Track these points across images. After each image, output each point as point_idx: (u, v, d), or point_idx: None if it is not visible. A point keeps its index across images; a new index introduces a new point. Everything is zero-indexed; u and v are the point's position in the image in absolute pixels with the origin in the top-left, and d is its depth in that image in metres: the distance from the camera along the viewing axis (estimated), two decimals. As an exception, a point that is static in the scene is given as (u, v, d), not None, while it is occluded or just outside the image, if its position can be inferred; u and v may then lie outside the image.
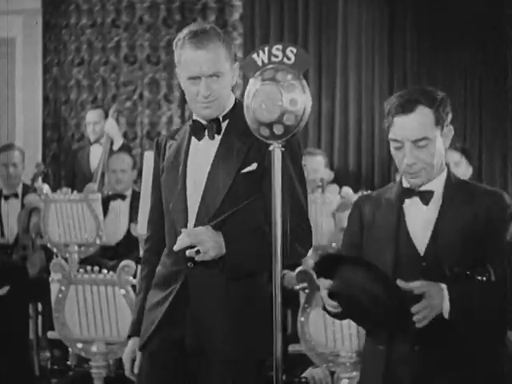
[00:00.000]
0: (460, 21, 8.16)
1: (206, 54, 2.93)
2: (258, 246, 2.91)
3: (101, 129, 7.52)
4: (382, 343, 2.71)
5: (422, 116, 2.71)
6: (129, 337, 3.14)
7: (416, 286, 2.58)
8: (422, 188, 2.79)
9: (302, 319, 4.04)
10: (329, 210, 5.88)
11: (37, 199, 6.38)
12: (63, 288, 4.25)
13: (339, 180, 7.52)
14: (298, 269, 4.18)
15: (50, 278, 4.37)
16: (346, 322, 3.98)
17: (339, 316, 2.77)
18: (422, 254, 2.73)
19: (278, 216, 2.81)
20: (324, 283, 2.66)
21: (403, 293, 2.55)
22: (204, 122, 3.03)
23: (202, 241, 2.87)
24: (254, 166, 2.98)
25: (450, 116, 2.78)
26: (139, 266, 3.27)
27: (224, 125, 3.04)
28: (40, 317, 6.25)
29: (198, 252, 2.87)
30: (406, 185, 2.82)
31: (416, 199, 2.77)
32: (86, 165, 7.56)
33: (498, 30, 8.05)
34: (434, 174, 2.77)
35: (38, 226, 6.25)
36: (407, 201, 2.79)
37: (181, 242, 2.89)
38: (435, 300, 2.58)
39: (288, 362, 4.80)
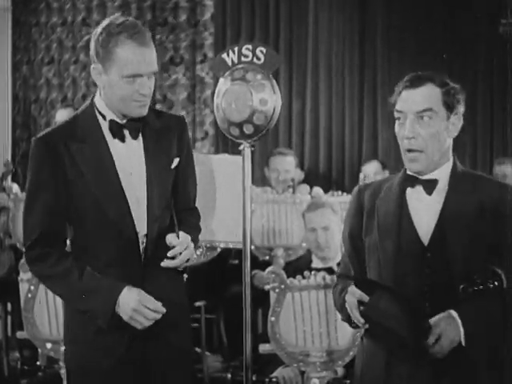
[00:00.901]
0: (430, 28, 8.22)
1: (150, 52, 2.82)
2: (194, 232, 2.98)
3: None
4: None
5: (429, 91, 2.67)
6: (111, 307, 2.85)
7: (433, 336, 2.54)
8: (426, 177, 2.68)
9: (273, 319, 4.04)
10: (299, 210, 5.88)
11: (5, 198, 6.34)
12: (32, 288, 4.23)
13: (310, 180, 7.53)
14: (269, 268, 4.18)
15: (20, 278, 4.35)
16: (316, 322, 3.99)
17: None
18: (426, 244, 2.65)
19: (248, 215, 2.82)
20: (355, 293, 2.59)
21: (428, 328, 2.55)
22: (121, 122, 2.90)
23: (192, 248, 2.89)
24: (176, 161, 2.97)
25: (462, 106, 2.74)
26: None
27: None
28: (9, 317, 6.20)
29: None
30: (409, 172, 2.72)
31: (419, 188, 2.68)
32: (56, 164, 7.51)
33: (467, 36, 8.12)
34: (436, 162, 2.67)
35: (7, 225, 6.21)
36: (410, 189, 2.69)
37: (186, 253, 2.86)
38: (451, 335, 2.55)
39: (258, 361, 4.80)
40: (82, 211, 2.90)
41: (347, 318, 2.71)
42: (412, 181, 2.69)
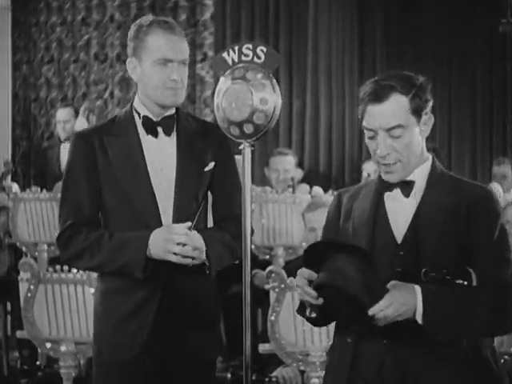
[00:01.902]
0: (430, 26, 8.23)
1: (179, 40, 2.93)
2: (224, 241, 2.96)
3: (71, 127, 7.48)
4: (351, 336, 2.61)
5: (396, 105, 2.55)
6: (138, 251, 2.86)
7: (385, 303, 2.44)
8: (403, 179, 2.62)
9: (272, 318, 4.04)
10: (299, 210, 5.88)
11: (5, 198, 6.34)
12: (32, 287, 4.22)
13: (310, 180, 7.53)
14: (269, 268, 4.18)
15: (19, 278, 4.35)
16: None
17: (316, 320, 2.63)
18: (399, 242, 2.60)
19: (248, 214, 2.82)
20: (304, 272, 2.51)
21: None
22: (155, 119, 2.97)
23: (202, 245, 2.87)
24: (211, 165, 2.99)
25: (430, 103, 2.61)
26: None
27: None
28: (9, 316, 6.21)
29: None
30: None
31: (397, 191, 2.62)
32: (56, 163, 7.52)
33: (467, 36, 8.13)
34: (412, 167, 2.61)
35: (7, 224, 6.21)
36: (388, 193, 2.63)
37: (186, 248, 2.84)
38: (404, 306, 2.45)
39: (258, 361, 4.80)
40: (110, 203, 2.96)
41: (301, 310, 2.63)
42: (390, 185, 2.64)
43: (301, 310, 2.65)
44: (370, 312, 2.44)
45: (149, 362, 2.93)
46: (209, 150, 2.99)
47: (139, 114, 2.98)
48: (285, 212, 6.06)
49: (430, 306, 2.47)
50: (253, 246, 5.66)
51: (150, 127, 2.97)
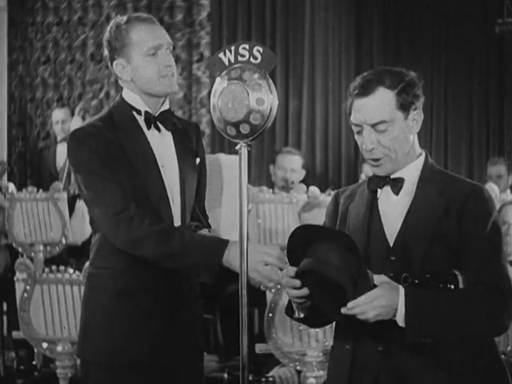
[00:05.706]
0: (427, 26, 8.24)
1: (161, 29, 2.96)
2: (206, 236, 2.98)
3: (68, 127, 7.48)
4: (349, 343, 2.60)
5: (381, 98, 2.53)
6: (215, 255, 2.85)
7: (364, 300, 2.41)
8: (392, 176, 2.61)
9: (269, 318, 4.04)
10: (295, 210, 5.88)
11: (1, 198, 6.34)
12: (28, 287, 4.22)
13: (306, 180, 7.54)
14: (265, 268, 4.17)
15: (15, 278, 4.34)
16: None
17: (308, 321, 2.66)
18: (391, 246, 2.57)
19: (244, 214, 2.82)
20: (289, 271, 2.52)
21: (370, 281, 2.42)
22: (155, 114, 2.96)
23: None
24: (198, 161, 3.05)
25: (420, 99, 2.59)
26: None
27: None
28: (5, 316, 6.21)
29: None
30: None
31: (387, 188, 2.61)
32: (52, 163, 7.52)
33: (464, 36, 8.15)
34: (402, 162, 2.59)
35: (3, 225, 6.21)
36: (380, 191, 2.62)
37: None
38: (381, 304, 2.41)
39: (255, 361, 4.80)
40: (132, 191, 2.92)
41: (288, 310, 2.64)
42: (379, 181, 2.63)
43: (288, 310, 2.67)
44: (349, 305, 2.40)
45: (159, 362, 2.93)
46: (194, 146, 3.05)
47: (138, 111, 2.96)
48: (281, 212, 6.06)
49: (411, 309, 2.43)
50: (249, 246, 5.65)
51: (153, 122, 2.97)
